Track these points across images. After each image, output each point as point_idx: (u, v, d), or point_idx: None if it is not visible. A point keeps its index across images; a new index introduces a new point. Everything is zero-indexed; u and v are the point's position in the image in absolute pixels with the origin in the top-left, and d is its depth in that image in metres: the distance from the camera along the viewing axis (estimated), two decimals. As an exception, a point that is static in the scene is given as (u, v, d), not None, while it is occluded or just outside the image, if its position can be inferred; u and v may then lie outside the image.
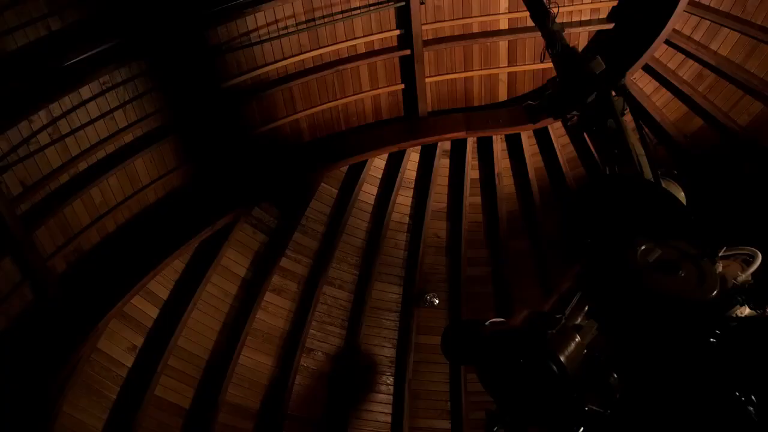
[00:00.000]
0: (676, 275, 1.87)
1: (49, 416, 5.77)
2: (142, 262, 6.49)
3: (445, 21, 7.11)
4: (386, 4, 6.77)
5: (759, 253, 2.15)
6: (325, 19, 6.68)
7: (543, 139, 7.92)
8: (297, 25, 6.60)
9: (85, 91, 5.67)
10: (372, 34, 7.00)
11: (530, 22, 7.13)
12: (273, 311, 7.59)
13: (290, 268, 7.71)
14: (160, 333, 6.75)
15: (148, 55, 5.97)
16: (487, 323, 3.28)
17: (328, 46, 6.89)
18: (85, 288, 6.19)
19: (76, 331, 5.97)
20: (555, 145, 7.80)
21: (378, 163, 8.06)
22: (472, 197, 8.16)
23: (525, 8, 6.94)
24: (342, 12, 6.70)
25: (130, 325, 6.56)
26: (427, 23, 7.03)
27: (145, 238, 6.59)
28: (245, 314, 7.32)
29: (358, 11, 6.74)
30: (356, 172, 7.90)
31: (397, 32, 7.05)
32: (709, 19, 6.71)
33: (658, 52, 7.07)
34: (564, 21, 7.05)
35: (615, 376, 1.79)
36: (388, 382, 7.93)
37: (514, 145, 7.99)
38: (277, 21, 6.49)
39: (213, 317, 7.23)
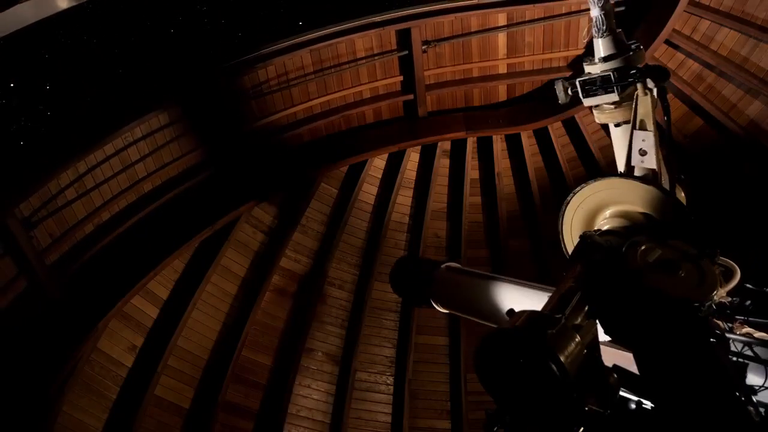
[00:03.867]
0: (676, 275, 1.87)
1: (49, 416, 5.77)
2: (142, 262, 6.50)
3: (446, 66, 7.37)
4: (390, 53, 7.08)
5: (738, 268, 2.06)
6: (333, 70, 6.98)
7: (543, 139, 7.93)
8: (306, 76, 6.91)
9: (109, 148, 5.96)
10: (377, 80, 7.32)
11: (527, 66, 7.50)
12: (272, 311, 7.59)
13: (290, 268, 7.71)
14: (160, 333, 6.74)
15: (167, 109, 6.26)
16: (443, 266, 3.26)
17: (335, 92, 7.20)
18: (85, 288, 6.20)
19: (76, 331, 5.98)
20: (555, 145, 7.81)
21: (378, 163, 8.06)
22: (472, 197, 8.16)
23: (522, 54, 7.20)
24: (348, 62, 7.01)
25: (130, 325, 6.55)
26: (429, 69, 7.29)
27: (145, 238, 6.60)
28: (245, 314, 7.31)
29: (364, 61, 7.05)
30: (356, 172, 7.90)
31: (401, 78, 7.33)
32: (709, 19, 6.71)
33: (658, 52, 7.08)
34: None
35: (615, 376, 1.80)
36: (388, 382, 7.93)
37: (514, 145, 8.00)
38: (287, 72, 6.80)
39: (213, 317, 7.23)
